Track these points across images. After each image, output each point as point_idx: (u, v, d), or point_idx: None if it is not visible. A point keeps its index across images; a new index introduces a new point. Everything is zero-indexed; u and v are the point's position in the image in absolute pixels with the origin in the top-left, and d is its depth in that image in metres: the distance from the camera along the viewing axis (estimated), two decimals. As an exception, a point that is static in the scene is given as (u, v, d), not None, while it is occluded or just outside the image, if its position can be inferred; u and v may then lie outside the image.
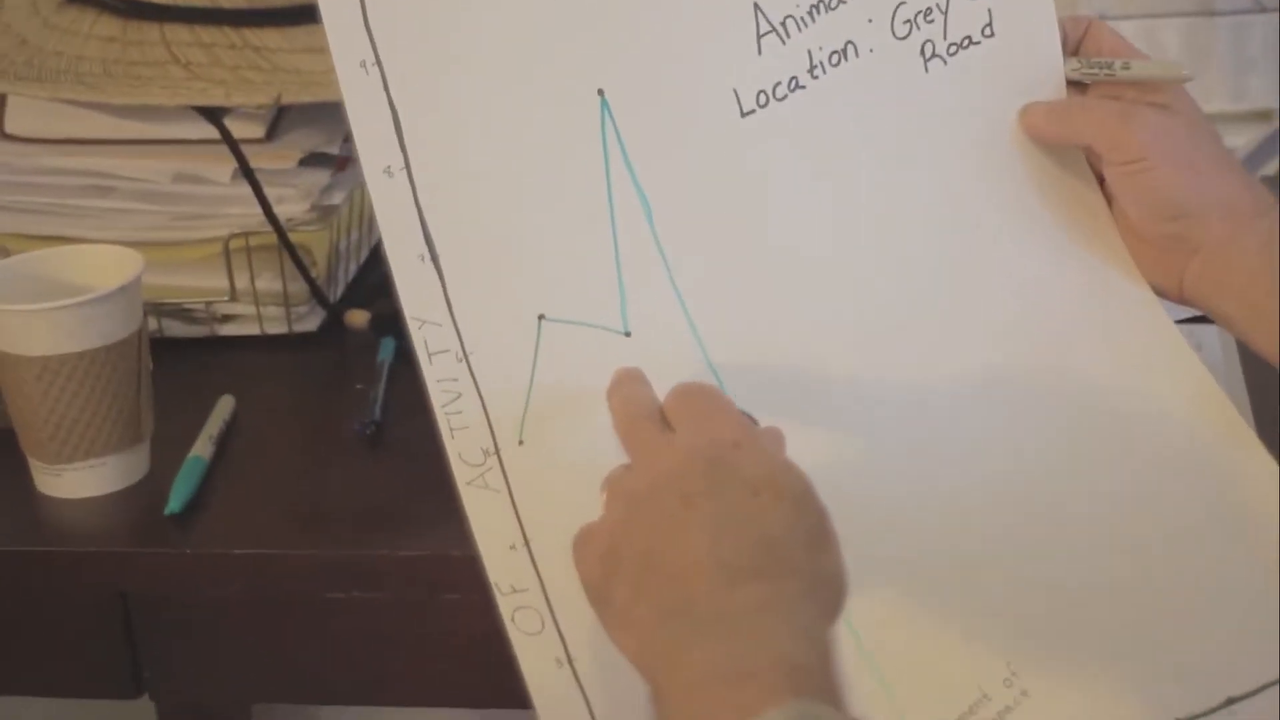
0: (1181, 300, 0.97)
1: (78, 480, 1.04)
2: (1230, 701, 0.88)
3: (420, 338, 0.89)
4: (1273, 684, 0.88)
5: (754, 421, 0.85)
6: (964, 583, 0.91)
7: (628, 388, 0.88)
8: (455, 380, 0.89)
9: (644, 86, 0.93)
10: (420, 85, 0.89)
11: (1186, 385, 0.96)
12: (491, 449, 0.89)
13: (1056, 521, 0.93)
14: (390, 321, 1.15)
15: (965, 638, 0.90)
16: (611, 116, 0.92)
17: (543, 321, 0.90)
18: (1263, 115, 1.37)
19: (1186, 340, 0.97)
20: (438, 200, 0.89)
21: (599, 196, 0.92)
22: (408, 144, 0.89)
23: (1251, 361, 1.00)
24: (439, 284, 0.89)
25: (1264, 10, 1.45)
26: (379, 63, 0.89)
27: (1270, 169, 1.26)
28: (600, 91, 0.92)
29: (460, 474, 0.89)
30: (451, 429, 0.89)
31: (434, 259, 0.89)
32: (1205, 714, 0.88)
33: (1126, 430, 0.95)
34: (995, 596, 0.91)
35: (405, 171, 0.89)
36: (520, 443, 0.89)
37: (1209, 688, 0.89)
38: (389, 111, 0.89)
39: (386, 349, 1.14)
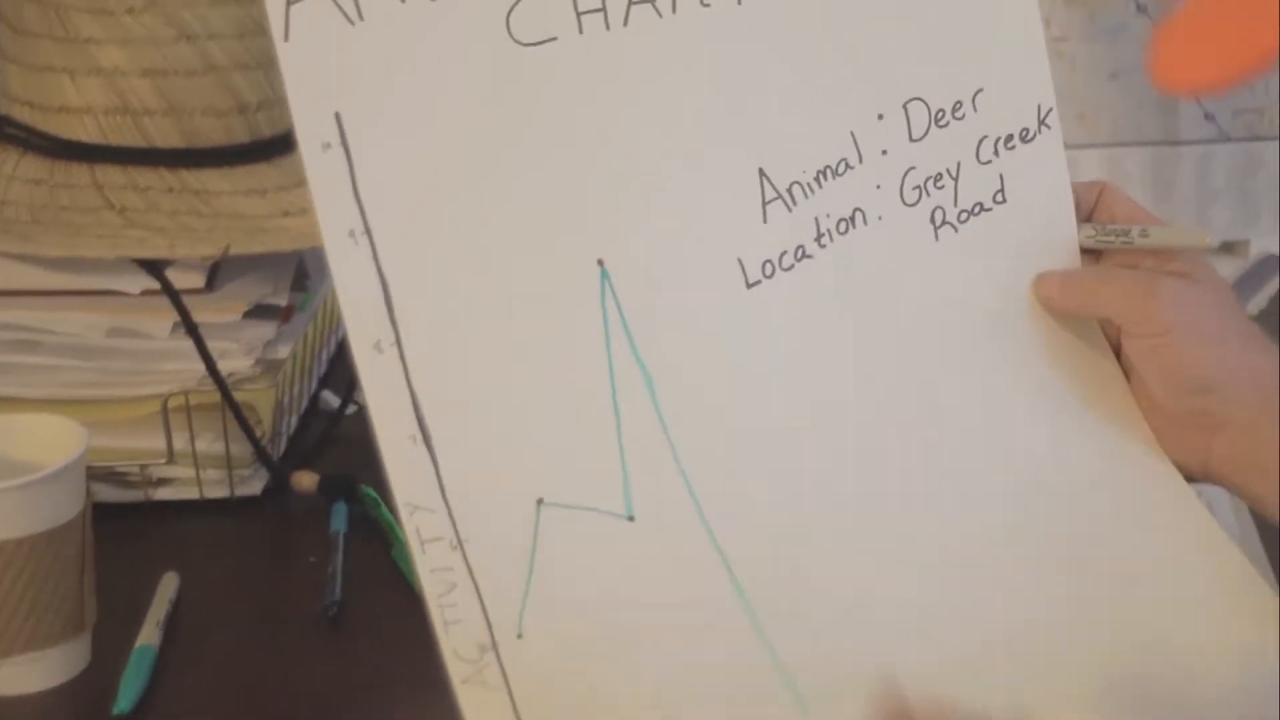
0: (1206, 478, 0.94)
1: (15, 675, 0.96)
2: None
3: (412, 524, 0.83)
4: None
5: None
6: None
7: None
8: (450, 570, 0.83)
9: (646, 257, 0.88)
10: (412, 256, 0.84)
11: (1216, 564, 0.93)
12: (489, 644, 0.83)
13: (1076, 690, 0.89)
14: (340, 483, 1.10)
15: None
16: (612, 288, 0.87)
17: (541, 506, 0.85)
18: (1229, 247, 1.35)
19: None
20: (430, 377, 0.84)
21: (600, 372, 0.87)
22: (398, 318, 0.83)
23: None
24: (432, 467, 0.83)
25: (1228, 140, 1.44)
26: (368, 231, 0.83)
27: (1251, 309, 1.24)
28: (600, 262, 0.87)
29: (455, 671, 0.82)
30: (446, 622, 0.83)
31: (426, 440, 0.83)
32: None
33: (1150, 610, 0.92)
34: None
35: (396, 347, 0.83)
36: (519, 636, 0.84)
37: None
38: (379, 282, 0.83)
39: (339, 516, 1.08)
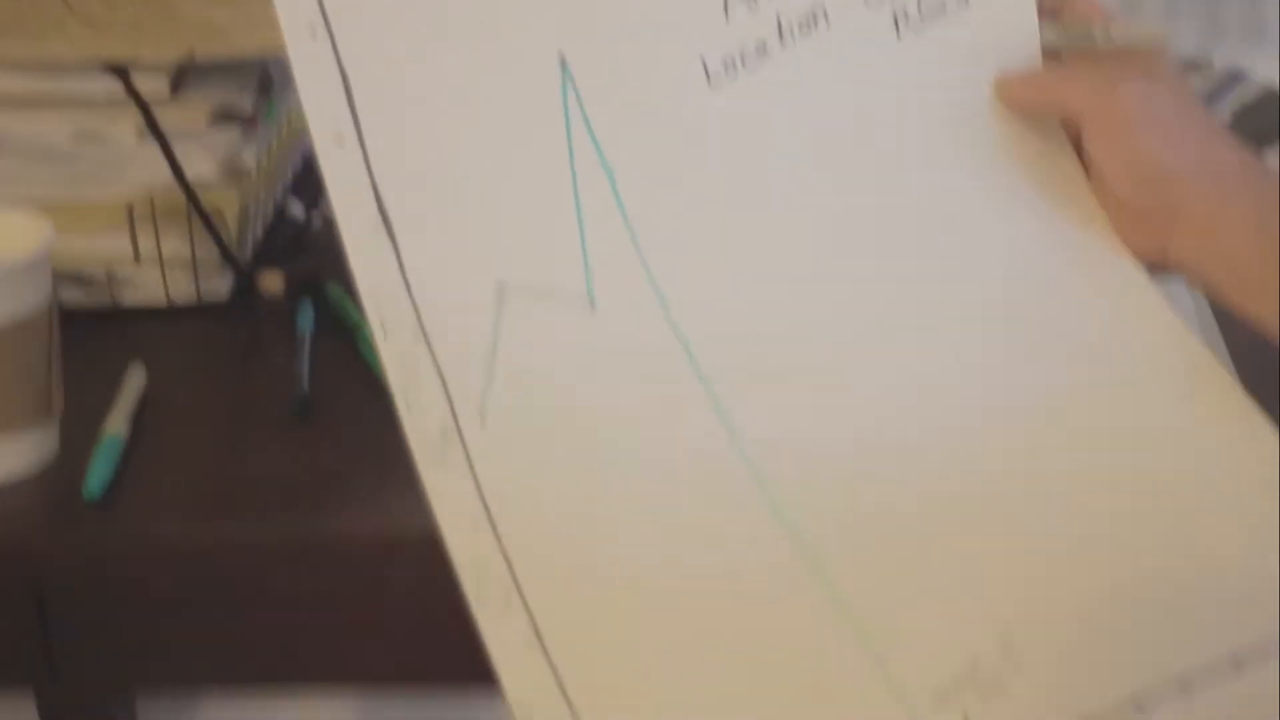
0: (1163, 269, 0.95)
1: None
2: (1237, 657, 0.88)
3: (375, 311, 0.86)
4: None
5: None
6: (952, 549, 0.89)
7: None
8: (412, 356, 0.86)
9: (607, 53, 0.90)
10: (373, 50, 0.87)
11: (1175, 353, 0.95)
12: (452, 427, 0.86)
13: (1047, 490, 0.91)
14: (306, 284, 1.11)
15: (955, 599, 0.88)
16: (574, 83, 0.90)
17: (504, 292, 0.88)
18: (1194, 63, 1.36)
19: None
20: (392, 169, 0.87)
21: (561, 165, 0.89)
22: (359, 111, 0.86)
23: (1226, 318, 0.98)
24: (394, 255, 0.86)
25: (1193, -41, 1.45)
26: (328, 28, 0.86)
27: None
28: (562, 57, 0.89)
29: (420, 454, 0.86)
30: (409, 406, 0.86)
31: (388, 228, 0.86)
32: (1209, 667, 0.88)
33: (1114, 397, 0.94)
34: (987, 562, 0.89)
35: (357, 140, 0.86)
36: (482, 418, 0.87)
37: (1212, 641, 0.88)
38: (339, 78, 0.86)
39: (305, 316, 1.09)
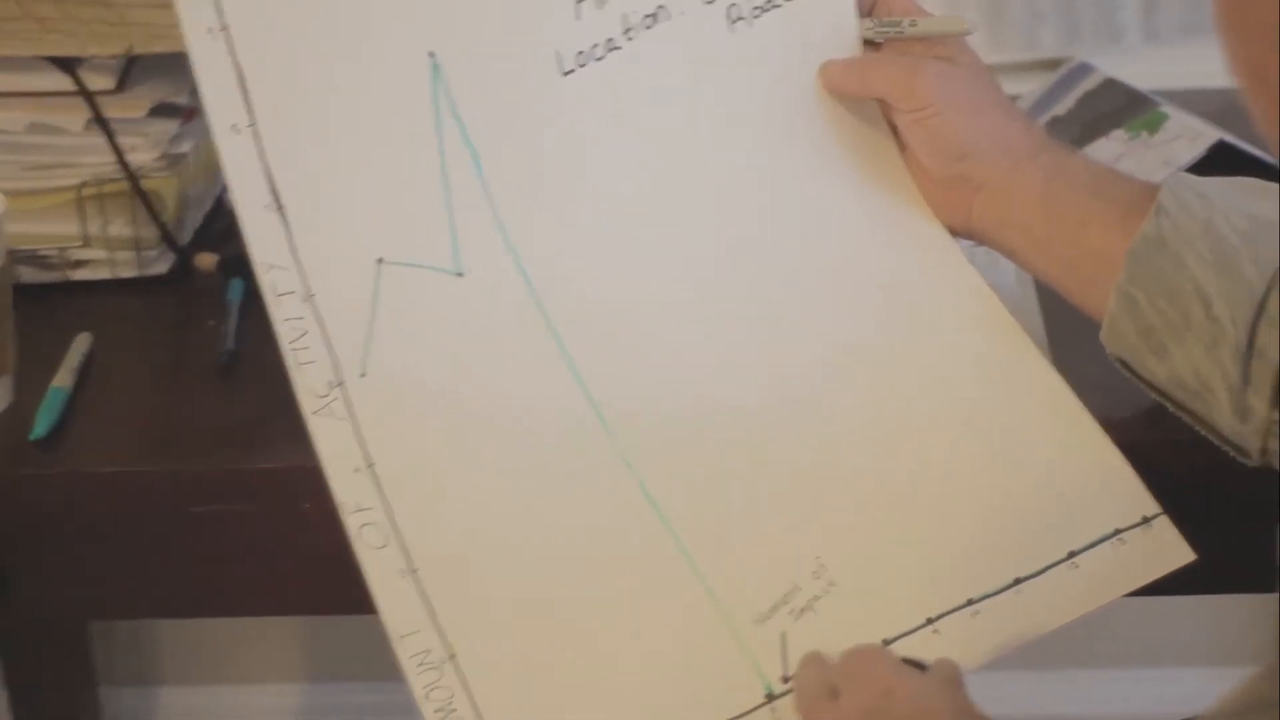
0: (969, 235, 1.05)
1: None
2: (1017, 581, 0.96)
3: (268, 281, 0.96)
4: (1057, 564, 0.97)
5: (920, 665, 0.89)
6: (770, 480, 0.99)
7: (803, 673, 0.91)
8: (301, 319, 0.96)
9: (472, 48, 1.00)
10: (264, 48, 0.96)
11: (972, 303, 1.04)
12: (336, 381, 0.95)
13: (858, 432, 1.01)
14: (237, 263, 1.20)
15: (775, 532, 0.97)
16: (442, 75, 0.99)
17: (381, 264, 0.98)
18: (1053, 63, 1.46)
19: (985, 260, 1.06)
20: (282, 154, 0.96)
21: (431, 149, 0.99)
22: (253, 102, 0.96)
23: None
24: (285, 231, 0.96)
25: (1055, -36, 1.54)
26: (225, 28, 0.96)
27: (1061, 109, 1.35)
28: (431, 53, 0.99)
29: (307, 405, 0.95)
30: (298, 363, 0.95)
31: (279, 208, 0.96)
32: (995, 593, 0.96)
33: (923, 343, 1.04)
34: (800, 492, 0.99)
35: (251, 128, 0.96)
36: (363, 375, 0.96)
37: (999, 569, 0.97)
38: (235, 73, 0.96)
39: (235, 289, 1.19)
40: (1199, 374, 0.94)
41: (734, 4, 1.05)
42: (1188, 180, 0.97)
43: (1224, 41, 0.61)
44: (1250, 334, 0.91)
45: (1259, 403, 0.91)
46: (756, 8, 1.05)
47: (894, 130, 1.07)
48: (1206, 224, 0.94)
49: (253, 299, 1.17)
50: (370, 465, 0.95)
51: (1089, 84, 1.36)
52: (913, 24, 1.05)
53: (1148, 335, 0.95)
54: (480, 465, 0.97)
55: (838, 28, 1.07)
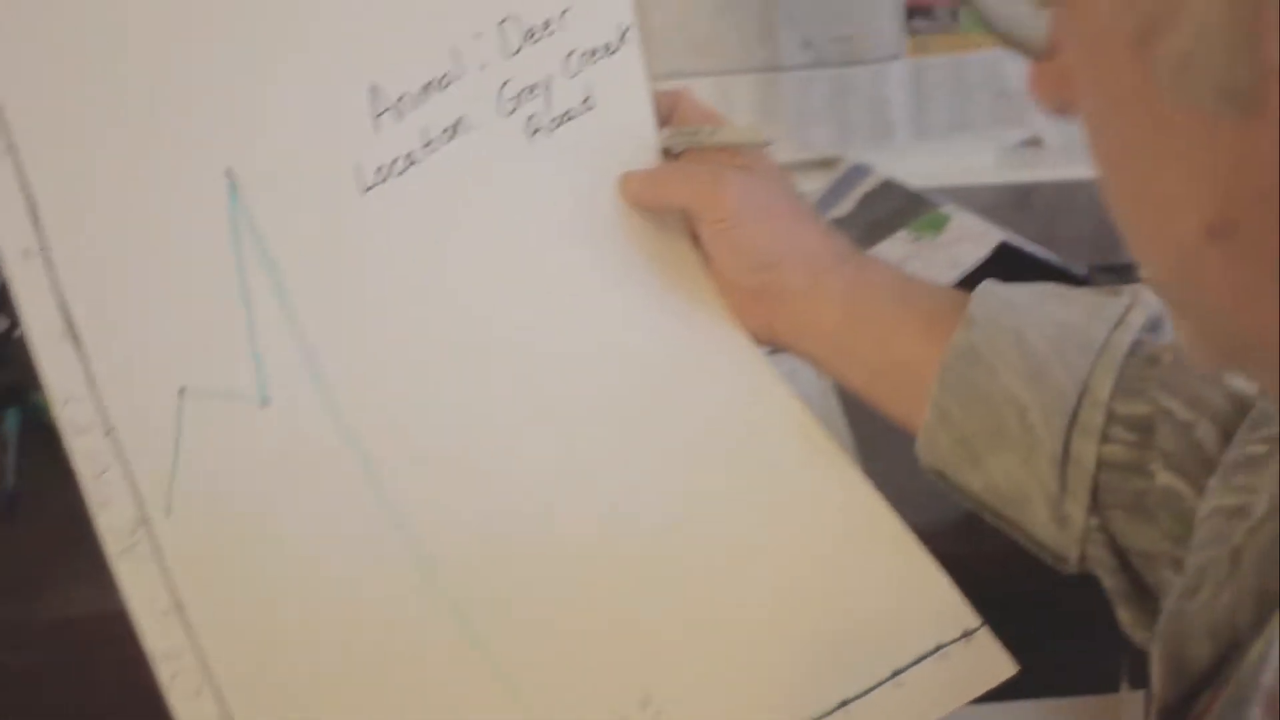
0: (773, 343, 1.05)
1: None
2: (844, 703, 0.96)
3: (65, 415, 0.92)
4: (882, 683, 0.96)
5: None
6: (593, 611, 0.97)
7: None
8: (101, 455, 0.92)
9: (270, 164, 0.97)
10: (55, 169, 0.93)
11: (781, 414, 1.04)
12: (140, 519, 0.92)
13: (677, 558, 0.99)
14: (10, 392, 1.16)
15: (600, 660, 0.96)
16: (240, 195, 0.97)
17: (183, 394, 0.94)
18: (827, 162, 1.48)
19: (780, 370, 1.05)
20: (76, 280, 0.93)
21: (230, 272, 0.96)
22: (44, 226, 0.92)
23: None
24: (80, 362, 0.92)
25: (823, 65, 1.56)
26: (13, 149, 0.92)
27: (841, 211, 1.36)
28: (228, 172, 0.96)
29: (111, 545, 0.91)
30: (101, 502, 0.92)
31: (74, 337, 0.92)
32: (823, 716, 0.95)
33: (733, 462, 1.03)
34: (623, 622, 0.97)
35: (43, 253, 0.92)
36: (169, 512, 0.92)
37: (825, 691, 0.96)
38: (23, 196, 0.92)
39: (10, 421, 1.15)
40: (1016, 483, 0.94)
41: (533, 115, 1.04)
42: (996, 289, 0.98)
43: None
44: (1065, 442, 0.92)
45: (1076, 510, 0.92)
46: (555, 119, 1.05)
47: (696, 240, 1.06)
48: (1017, 334, 0.95)
49: (32, 428, 1.13)
50: (179, 608, 0.91)
51: (867, 185, 1.38)
52: (712, 133, 1.05)
53: (963, 446, 0.96)
54: (295, 604, 0.94)
55: (636, 138, 1.06)
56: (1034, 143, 1.64)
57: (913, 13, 1.60)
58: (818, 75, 1.58)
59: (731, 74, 1.55)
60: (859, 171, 1.39)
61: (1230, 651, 0.68)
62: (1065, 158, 1.62)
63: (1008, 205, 1.50)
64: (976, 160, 1.60)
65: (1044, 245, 1.27)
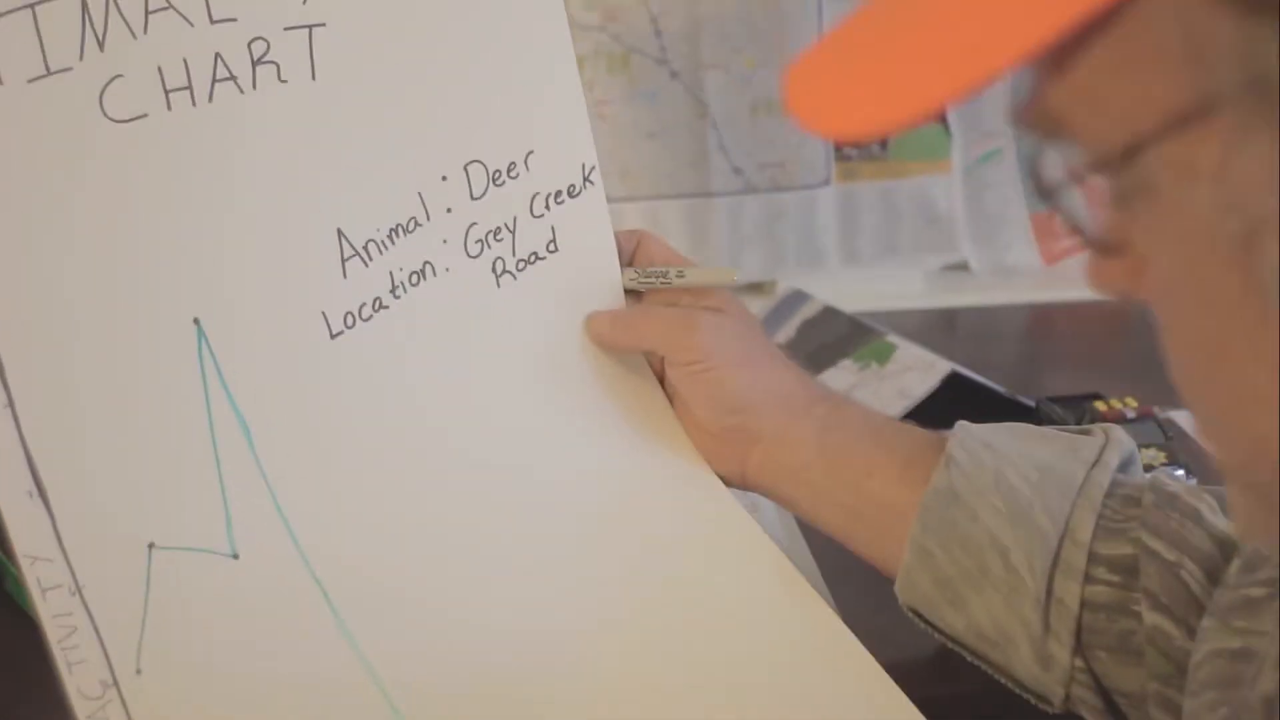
0: (745, 486, 1.05)
1: None
2: None
3: (32, 574, 0.89)
4: None
5: None
6: None
7: None
8: (70, 615, 0.89)
9: (237, 313, 0.96)
10: (20, 324, 0.90)
11: (750, 550, 1.03)
12: (110, 680, 0.89)
13: (639, 681, 0.98)
14: None
15: None
16: (208, 343, 0.95)
17: (152, 550, 0.92)
18: (759, 287, 1.49)
19: (742, 504, 1.05)
20: (43, 436, 0.90)
21: (200, 423, 0.94)
22: (10, 383, 0.90)
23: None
24: (48, 520, 0.90)
25: (754, 191, 1.57)
26: None
27: (782, 337, 1.37)
28: (196, 320, 0.95)
29: (80, 709, 0.88)
30: (69, 664, 0.89)
31: (42, 495, 0.90)
32: None
33: (700, 595, 1.02)
34: None
35: (9, 410, 0.89)
36: (138, 672, 0.90)
37: None
38: None
39: None
40: (998, 624, 0.94)
41: (499, 258, 1.04)
42: (974, 430, 0.98)
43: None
44: (1048, 583, 0.92)
45: (1060, 651, 0.92)
46: (521, 260, 1.05)
47: (662, 381, 1.06)
48: (997, 475, 0.95)
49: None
50: None
51: (807, 311, 1.39)
52: (679, 274, 1.05)
53: (944, 586, 0.96)
54: None
55: (601, 279, 1.06)
56: (960, 267, 1.67)
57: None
58: (748, 201, 1.59)
59: (661, 199, 1.56)
60: (797, 298, 1.40)
61: None
62: (991, 282, 1.65)
63: (937, 328, 1.52)
64: (905, 284, 1.62)
65: (975, 370, 1.28)
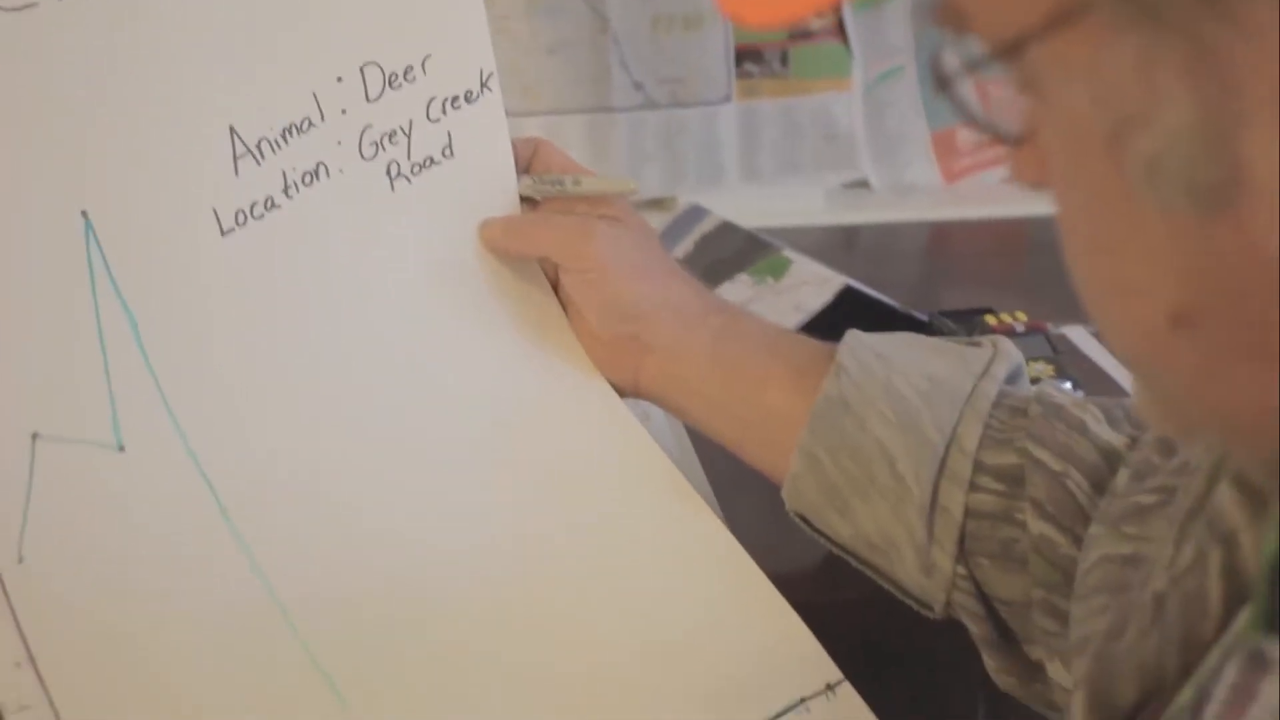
0: (637, 395, 1.05)
1: None
2: None
3: None
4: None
5: None
6: (454, 650, 0.95)
7: None
8: None
9: (127, 208, 0.96)
10: None
11: (639, 459, 1.04)
12: None
13: (532, 590, 0.99)
14: None
15: (453, 708, 0.94)
16: (96, 237, 0.95)
17: (36, 440, 0.92)
18: (659, 203, 1.49)
19: (633, 413, 1.06)
20: None
21: (86, 315, 0.94)
22: None
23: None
24: None
25: (654, 106, 1.57)
26: None
27: (680, 251, 1.37)
28: (84, 213, 0.94)
29: None
30: None
31: None
32: None
33: (587, 502, 1.03)
34: (487, 663, 0.95)
35: None
36: (20, 560, 0.90)
37: None
38: None
39: None
40: (884, 531, 0.95)
41: (394, 161, 1.04)
42: (865, 340, 0.99)
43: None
44: (933, 491, 0.94)
45: (943, 558, 0.94)
46: (416, 164, 1.04)
47: (556, 289, 1.06)
48: (886, 384, 0.96)
49: None
50: (32, 659, 0.88)
51: (705, 226, 1.39)
52: (576, 182, 1.05)
53: (831, 494, 0.97)
54: (152, 654, 0.91)
55: (497, 186, 1.06)
56: (861, 185, 1.68)
57: (742, 57, 1.63)
58: (648, 117, 1.60)
59: (563, 114, 1.57)
60: (696, 213, 1.40)
61: (1156, 694, 0.70)
62: (891, 200, 1.65)
63: (837, 246, 1.53)
64: (805, 202, 1.63)
65: (873, 287, 1.29)
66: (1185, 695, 0.65)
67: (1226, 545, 0.67)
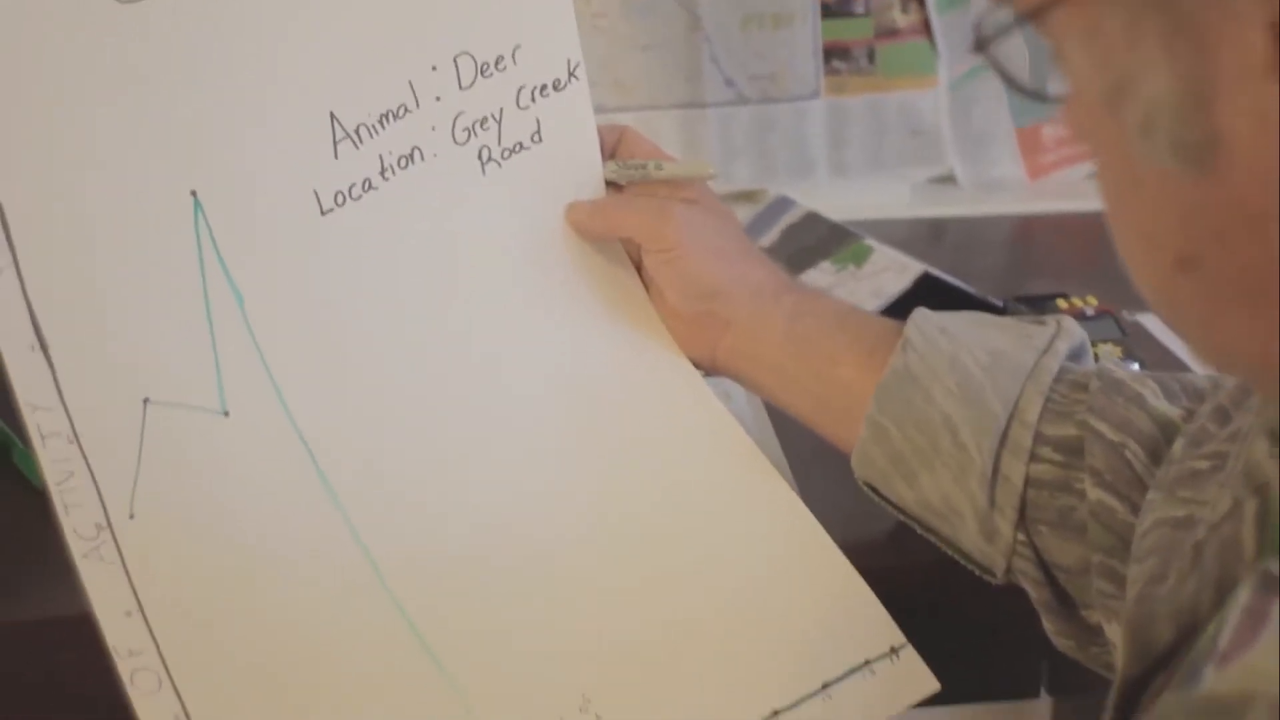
0: (715, 371, 1.09)
1: None
2: (775, 713, 0.98)
3: (33, 422, 0.94)
4: (812, 695, 0.99)
5: None
6: (539, 612, 1.00)
7: None
8: (67, 460, 0.94)
9: (233, 188, 1.01)
10: (26, 185, 0.96)
11: (717, 433, 1.08)
12: (104, 523, 0.94)
13: (611, 561, 1.02)
14: None
15: (541, 665, 0.98)
16: (204, 215, 1.00)
17: (147, 405, 0.97)
18: (749, 195, 1.52)
19: (716, 392, 1.09)
20: (46, 294, 0.95)
21: (195, 289, 0.99)
22: (15, 241, 0.95)
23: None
24: (49, 372, 0.95)
25: (746, 102, 1.61)
26: None
27: (766, 240, 1.40)
28: (193, 193, 1.00)
29: (76, 547, 0.93)
30: (66, 505, 0.94)
31: (44, 349, 0.95)
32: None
33: (668, 475, 1.06)
34: (565, 628, 0.99)
35: (14, 268, 0.95)
36: (131, 516, 0.95)
37: (758, 701, 0.98)
38: None
39: None
40: (947, 499, 0.99)
41: (485, 146, 1.08)
42: (930, 316, 1.03)
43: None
44: (995, 461, 0.97)
45: (1004, 525, 0.97)
46: (506, 149, 1.09)
47: (639, 269, 1.10)
48: (951, 358, 0.99)
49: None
50: (141, 609, 0.93)
51: (791, 217, 1.42)
52: (658, 167, 1.09)
53: (897, 462, 1.00)
54: (251, 607, 0.96)
55: (583, 170, 1.10)
56: (946, 180, 1.71)
57: (830, 54, 1.66)
58: (739, 112, 1.63)
59: (655, 109, 1.60)
60: (783, 204, 1.44)
61: (1190, 633, 0.73)
62: (976, 195, 1.68)
63: (922, 239, 1.56)
64: (892, 196, 1.66)
65: (954, 277, 1.32)
66: (1212, 627, 0.69)
67: (1260, 495, 0.71)
